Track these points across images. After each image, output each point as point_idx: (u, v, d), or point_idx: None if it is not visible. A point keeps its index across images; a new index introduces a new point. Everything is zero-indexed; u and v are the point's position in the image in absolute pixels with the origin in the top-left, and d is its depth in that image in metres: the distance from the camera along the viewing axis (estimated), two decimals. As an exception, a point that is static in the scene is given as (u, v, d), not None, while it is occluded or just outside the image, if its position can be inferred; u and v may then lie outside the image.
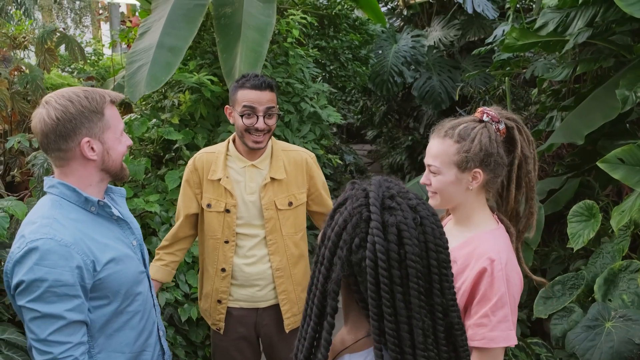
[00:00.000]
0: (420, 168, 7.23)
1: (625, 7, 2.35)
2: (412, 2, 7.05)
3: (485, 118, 1.60)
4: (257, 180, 2.23)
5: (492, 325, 1.47)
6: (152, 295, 1.70)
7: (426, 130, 7.02)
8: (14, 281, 1.37)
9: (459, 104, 6.15)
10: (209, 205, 2.24)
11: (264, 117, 2.12)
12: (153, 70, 3.12)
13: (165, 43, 3.25)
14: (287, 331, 2.30)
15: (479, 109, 1.62)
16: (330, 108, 4.10)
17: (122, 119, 3.77)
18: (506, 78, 4.03)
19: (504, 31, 4.09)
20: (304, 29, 4.30)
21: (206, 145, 3.60)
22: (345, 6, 5.62)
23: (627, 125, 3.40)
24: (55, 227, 1.39)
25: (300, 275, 2.31)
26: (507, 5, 4.27)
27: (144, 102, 3.83)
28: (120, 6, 7.57)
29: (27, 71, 2.81)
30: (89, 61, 6.33)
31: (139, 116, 3.44)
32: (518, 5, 4.42)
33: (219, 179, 2.21)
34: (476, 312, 1.49)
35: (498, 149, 1.57)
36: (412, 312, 0.92)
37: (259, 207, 2.22)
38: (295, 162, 2.29)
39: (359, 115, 8.10)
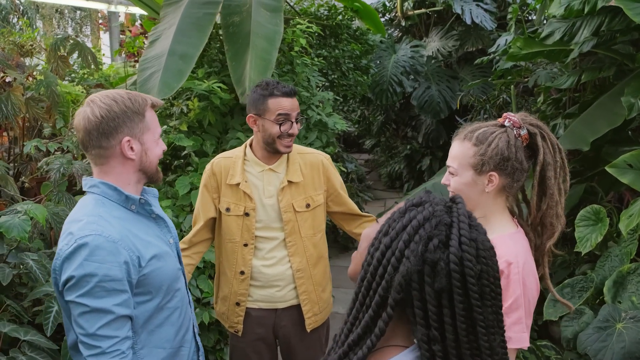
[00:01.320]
0: (418, 177, 7.29)
1: (634, 16, 2.42)
2: (410, 13, 7.14)
3: (507, 123, 1.63)
4: (274, 183, 2.27)
5: (505, 327, 1.50)
6: (187, 292, 1.73)
7: (424, 139, 7.10)
8: (63, 277, 1.39)
9: (459, 113, 6.22)
10: (227, 209, 2.27)
11: (296, 123, 2.20)
12: (165, 77, 3.16)
13: (177, 51, 3.30)
14: (308, 331, 2.32)
15: (504, 114, 1.65)
16: (335, 116, 4.15)
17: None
18: (511, 86, 4.10)
19: (506, 41, 4.17)
20: (310, 38, 4.36)
21: (215, 152, 3.63)
22: (346, 16, 5.69)
23: (630, 132, 3.48)
24: (101, 224, 1.42)
25: (319, 276, 2.34)
26: (509, 16, 4.35)
27: (152, 110, 3.85)
28: (120, 16, 7.61)
29: (42, 77, 2.83)
30: (88, 70, 6.35)
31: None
32: (519, 16, 4.51)
33: (238, 184, 2.24)
34: None
35: (517, 154, 1.58)
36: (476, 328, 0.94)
37: (278, 210, 2.25)
38: (311, 164, 2.34)
39: (357, 125, 8.18)
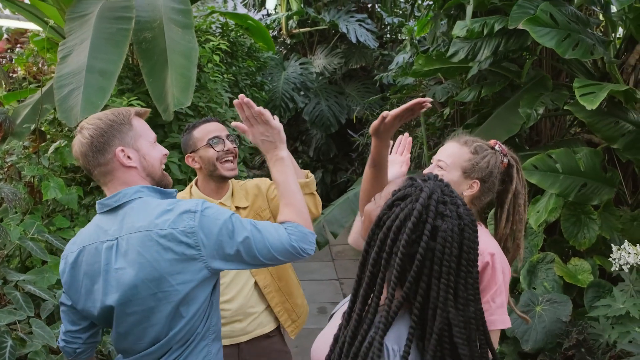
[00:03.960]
0: (310, 189, 7.49)
1: (538, 37, 2.81)
2: (294, 31, 7.38)
3: (497, 147, 1.85)
4: None
5: (492, 310, 1.70)
6: None
7: (315, 153, 7.34)
8: (211, 241, 1.45)
9: (352, 126, 6.53)
10: None
11: (230, 142, 2.23)
12: (87, 94, 3.01)
13: (95, 67, 3.16)
14: (292, 337, 2.36)
15: (493, 141, 1.86)
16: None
17: (49, 146, 3.52)
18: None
19: (403, 59, 4.52)
20: (221, 55, 4.38)
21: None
22: (238, 34, 5.77)
23: (516, 139, 3.96)
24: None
25: (286, 286, 2.36)
26: (402, 36, 4.72)
27: (59, 129, 3.63)
28: (-17, 29, 6.97)
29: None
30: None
31: (67, 142, 3.28)
32: (405, 37, 4.91)
33: None
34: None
35: (497, 174, 1.81)
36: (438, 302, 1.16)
37: None
38: (251, 190, 2.37)
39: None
